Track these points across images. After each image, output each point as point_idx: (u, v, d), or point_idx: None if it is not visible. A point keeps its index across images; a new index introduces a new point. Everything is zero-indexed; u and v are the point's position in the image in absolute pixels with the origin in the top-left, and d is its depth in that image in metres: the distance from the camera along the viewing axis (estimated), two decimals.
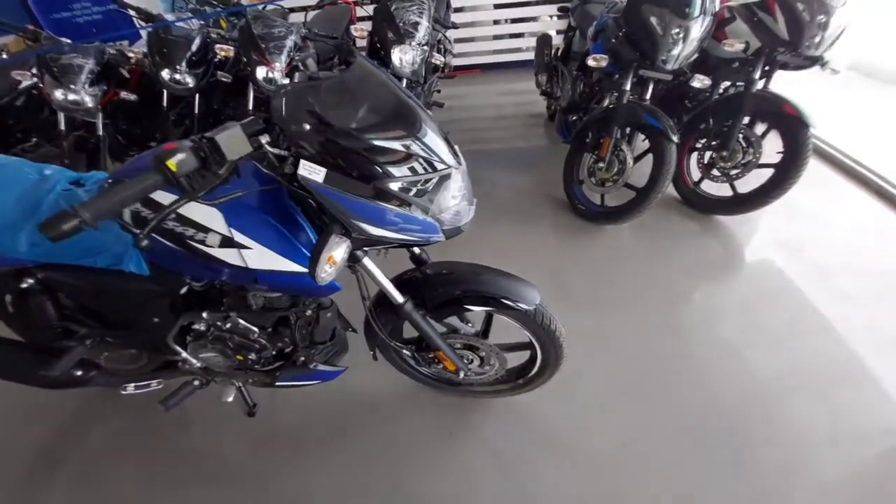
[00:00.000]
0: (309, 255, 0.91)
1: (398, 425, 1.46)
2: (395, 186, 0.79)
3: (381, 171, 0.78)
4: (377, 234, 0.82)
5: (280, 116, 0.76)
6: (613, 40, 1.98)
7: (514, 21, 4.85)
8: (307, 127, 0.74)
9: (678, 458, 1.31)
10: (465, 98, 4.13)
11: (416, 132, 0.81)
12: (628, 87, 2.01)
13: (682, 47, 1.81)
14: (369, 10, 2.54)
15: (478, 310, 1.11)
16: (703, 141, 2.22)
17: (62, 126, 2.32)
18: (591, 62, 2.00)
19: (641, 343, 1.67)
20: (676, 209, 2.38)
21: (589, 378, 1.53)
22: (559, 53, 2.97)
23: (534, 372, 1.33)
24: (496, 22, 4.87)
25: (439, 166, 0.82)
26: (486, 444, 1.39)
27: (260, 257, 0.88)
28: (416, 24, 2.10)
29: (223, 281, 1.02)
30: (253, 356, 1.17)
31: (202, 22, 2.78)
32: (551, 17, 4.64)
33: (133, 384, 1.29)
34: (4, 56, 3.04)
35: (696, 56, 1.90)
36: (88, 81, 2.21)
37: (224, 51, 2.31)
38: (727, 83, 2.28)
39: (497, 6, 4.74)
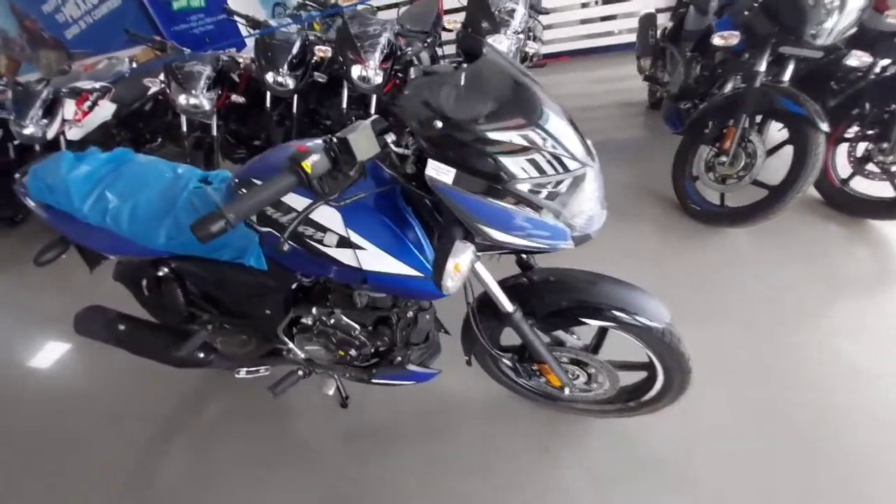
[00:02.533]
0: (420, 257, 0.87)
1: (490, 433, 1.40)
2: (524, 188, 0.71)
3: (504, 170, 0.70)
4: (502, 239, 0.75)
5: (409, 113, 0.71)
6: (746, 13, 1.70)
7: (606, 1, 4.52)
8: (438, 124, 0.68)
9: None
10: (555, 88, 3.92)
11: (538, 119, 0.71)
12: (762, 67, 1.72)
13: (838, 19, 1.50)
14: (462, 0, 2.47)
15: (595, 323, 1.00)
16: (854, 130, 1.85)
17: (184, 128, 2.58)
18: (717, 40, 1.74)
19: (764, 368, 1.42)
20: (816, 211, 2.01)
21: (703, 402, 1.33)
22: (667, 33, 2.67)
23: (650, 396, 1.17)
24: (584, 5, 4.58)
25: (571, 165, 0.73)
26: (584, 463, 1.28)
27: (373, 259, 0.85)
28: (511, 12, 2.00)
29: (331, 278, 1.02)
30: (353, 352, 1.17)
31: (300, 25, 2.93)
32: None
33: (245, 369, 1.37)
34: (135, 65, 3.47)
35: (853, 30, 1.56)
36: (206, 87, 2.43)
37: (322, 52, 2.39)
38: (887, 61, 1.87)
39: None
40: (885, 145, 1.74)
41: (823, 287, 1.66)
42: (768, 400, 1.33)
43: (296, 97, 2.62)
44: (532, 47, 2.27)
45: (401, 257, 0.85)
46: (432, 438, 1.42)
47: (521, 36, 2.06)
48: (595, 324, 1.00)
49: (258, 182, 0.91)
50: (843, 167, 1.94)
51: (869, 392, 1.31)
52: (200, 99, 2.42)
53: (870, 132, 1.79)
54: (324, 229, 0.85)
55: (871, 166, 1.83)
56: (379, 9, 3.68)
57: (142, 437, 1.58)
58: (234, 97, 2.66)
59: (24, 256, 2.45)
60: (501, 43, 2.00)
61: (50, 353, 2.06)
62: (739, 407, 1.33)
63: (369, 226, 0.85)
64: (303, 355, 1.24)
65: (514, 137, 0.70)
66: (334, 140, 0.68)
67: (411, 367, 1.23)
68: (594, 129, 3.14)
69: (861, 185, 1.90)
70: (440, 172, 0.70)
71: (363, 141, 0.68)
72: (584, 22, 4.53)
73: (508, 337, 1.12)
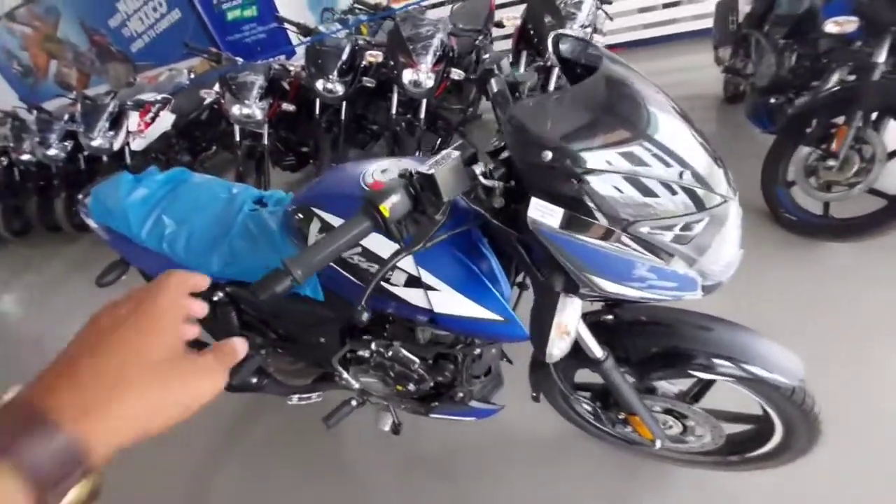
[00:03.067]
0: (501, 300, 0.75)
1: (553, 477, 1.27)
2: (648, 230, 0.57)
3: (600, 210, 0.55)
4: (615, 291, 0.61)
5: (512, 141, 0.59)
6: None
7: None
8: (547, 155, 0.54)
9: None
10: None
11: (647, 130, 0.57)
12: (882, 58, 1.45)
13: None
14: None
15: (706, 377, 0.84)
16: None
17: (237, 137, 2.60)
18: (831, 27, 1.48)
19: (880, 409, 1.18)
20: None
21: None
22: (751, 19, 2.38)
23: (760, 453, 0.99)
24: None
25: (709, 200, 0.57)
26: None
27: (447, 301, 0.74)
28: (578, 4, 1.83)
29: (394, 314, 0.92)
30: (411, 386, 1.08)
31: (349, 30, 2.88)
32: None
33: (297, 395, 1.31)
34: (193, 76, 3.59)
35: None
36: (258, 96, 2.43)
37: (373, 56, 2.32)
38: None
39: None
40: None
41: None
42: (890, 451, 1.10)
43: (344, 103, 2.58)
44: (598, 40, 2.08)
45: (479, 300, 0.74)
46: (487, 476, 1.31)
47: (589, 30, 1.88)
48: (706, 377, 0.83)
49: (318, 211, 0.84)
50: None
51: None
52: (253, 109, 2.42)
53: None
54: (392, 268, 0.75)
55: None
56: (429, 7, 3.58)
57: (192, 460, 1.58)
58: (285, 105, 2.65)
59: (90, 264, 2.56)
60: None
61: None
62: (851, 458, 1.10)
63: (443, 264, 0.74)
64: (357, 385, 1.16)
65: (618, 158, 0.56)
66: (416, 175, 0.57)
67: (474, 404, 1.11)
68: None
69: None
70: (545, 214, 0.56)
71: (451, 176, 0.57)
72: (642, 11, 4.20)
73: (585, 372, 0.98)
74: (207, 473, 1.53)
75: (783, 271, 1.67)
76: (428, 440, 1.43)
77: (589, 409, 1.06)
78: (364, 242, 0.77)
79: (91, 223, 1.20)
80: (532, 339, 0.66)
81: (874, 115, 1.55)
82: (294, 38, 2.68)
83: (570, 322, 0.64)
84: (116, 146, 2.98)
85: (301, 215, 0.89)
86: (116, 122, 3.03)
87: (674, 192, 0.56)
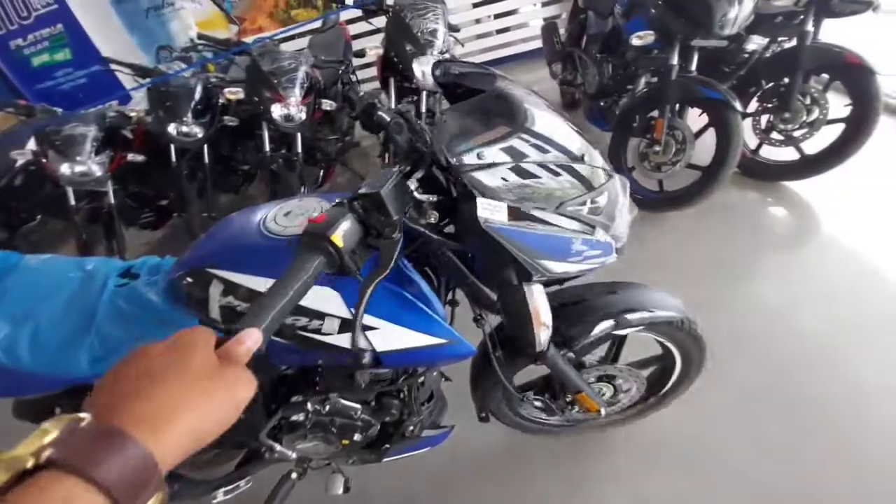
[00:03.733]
0: (440, 321, 0.75)
1: (517, 477, 1.31)
2: (584, 209, 0.67)
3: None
4: (560, 270, 0.69)
5: (448, 148, 0.63)
6: (654, 11, 1.82)
7: (497, 16, 4.72)
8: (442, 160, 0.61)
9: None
10: None
11: (524, 124, 0.66)
12: (675, 60, 1.85)
13: (739, 9, 1.66)
14: (372, 24, 2.37)
15: (627, 332, 0.98)
16: (755, 105, 2.07)
17: (72, 201, 2.15)
18: (635, 41, 1.84)
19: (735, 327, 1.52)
20: (736, 182, 2.21)
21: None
22: (569, 39, 2.82)
23: (670, 386, 1.18)
24: (478, 21, 4.74)
25: (596, 179, 0.69)
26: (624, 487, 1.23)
27: (389, 336, 0.72)
28: (434, 32, 1.95)
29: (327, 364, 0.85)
30: (357, 437, 1.01)
31: (195, 69, 2.63)
32: (535, 4, 4.50)
33: (222, 490, 1.12)
34: None
35: (752, 18, 1.75)
36: (94, 150, 2.05)
37: (232, 94, 2.15)
38: (766, 40, 2.12)
39: (475, 5, 4.60)
40: (786, 115, 1.95)
41: (750, 247, 1.85)
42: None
43: (206, 146, 2.33)
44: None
45: (421, 328, 0.73)
46: (451, 496, 1.29)
47: (447, 56, 2.02)
48: (624, 332, 0.97)
49: (216, 272, 0.74)
50: (751, 139, 2.16)
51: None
52: (89, 165, 2.04)
53: (769, 105, 2.01)
54: (321, 315, 0.70)
55: (775, 135, 2.05)
56: (283, 41, 3.45)
57: None
58: (131, 156, 2.28)
59: None
60: (429, 64, 1.94)
61: None
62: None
63: (376, 298, 0.70)
64: (294, 455, 1.04)
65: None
66: (359, 199, 0.55)
67: (425, 433, 1.08)
68: None
69: (770, 153, 2.13)
70: (493, 211, 0.62)
71: (394, 193, 0.57)
72: (480, 37, 4.68)
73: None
74: None
75: (640, 242, 2.00)
76: (383, 484, 1.35)
77: (539, 405, 1.11)
78: None
79: None
80: (518, 341, 0.69)
81: (678, 106, 1.97)
82: (128, 81, 2.33)
83: (543, 307, 0.69)
84: None
85: (192, 280, 0.78)
86: None
87: (557, 174, 0.65)
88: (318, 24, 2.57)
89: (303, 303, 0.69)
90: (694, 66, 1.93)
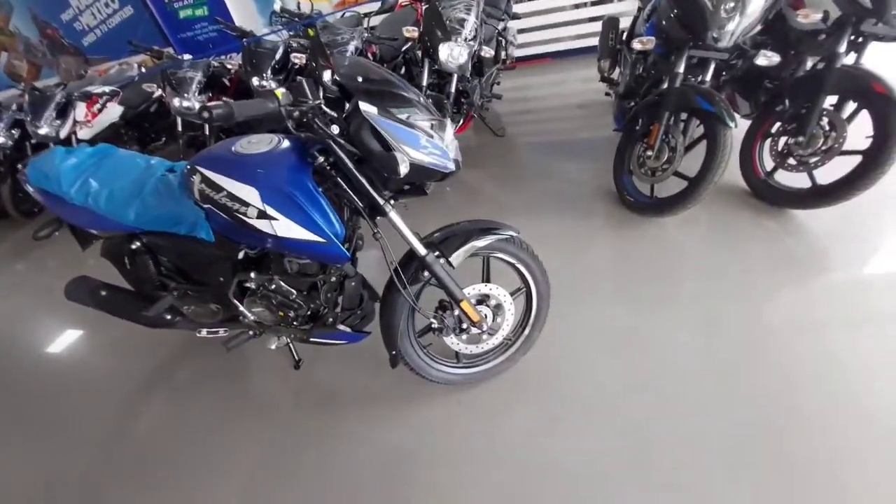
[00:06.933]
0: (324, 227, 1.09)
1: (413, 395, 1.58)
2: (424, 123, 1.09)
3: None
4: (415, 156, 1.05)
5: (346, 76, 1.12)
6: (664, 21, 1.87)
7: (594, 3, 4.66)
8: (359, 79, 1.10)
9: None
10: (537, 88, 4.11)
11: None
12: (681, 69, 1.89)
13: (739, 21, 1.66)
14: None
15: (482, 243, 1.26)
16: (778, 125, 2.00)
17: (180, 128, 2.85)
18: (636, 45, 1.92)
19: (680, 346, 1.55)
20: (746, 203, 2.16)
21: (612, 370, 1.52)
22: (624, 36, 2.84)
23: (534, 314, 1.46)
24: (577, 6, 4.73)
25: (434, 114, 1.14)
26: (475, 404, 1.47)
27: (285, 227, 1.07)
28: (462, 21, 2.20)
29: (267, 248, 1.24)
30: (291, 314, 1.39)
31: (292, 33, 3.18)
32: None
33: (206, 329, 1.60)
34: (143, 70, 3.78)
35: (757, 29, 1.73)
36: (198, 90, 2.69)
37: (299, 58, 2.64)
38: (813, 59, 2.00)
39: None
40: (801, 139, 1.88)
41: (748, 272, 1.79)
42: (677, 372, 1.49)
43: None
44: (487, 52, 2.46)
45: (307, 226, 1.08)
46: (368, 398, 1.62)
47: (474, 43, 2.27)
48: (481, 243, 1.25)
49: (200, 169, 1.15)
50: (769, 161, 2.08)
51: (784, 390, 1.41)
52: (192, 101, 2.68)
53: (789, 127, 1.94)
54: (246, 204, 1.08)
55: (791, 160, 1.98)
56: (366, 15, 3.91)
57: (122, 394, 1.85)
58: (225, 99, 2.92)
59: (31, 251, 2.75)
60: (453, 49, 2.21)
61: (48, 328, 2.35)
62: (647, 378, 1.51)
63: (281, 200, 1.07)
64: (252, 317, 1.47)
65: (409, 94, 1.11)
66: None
67: (342, 328, 1.44)
68: (561, 129, 3.32)
69: (784, 178, 2.05)
70: (368, 108, 1.03)
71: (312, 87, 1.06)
72: (569, 24, 4.68)
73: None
74: (130, 411, 1.79)
75: (625, 243, 2.09)
76: (322, 372, 1.75)
77: (437, 325, 1.38)
78: (230, 188, 1.09)
79: (28, 188, 1.45)
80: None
81: (682, 115, 2.00)
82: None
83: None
84: (63, 135, 3.15)
85: (189, 171, 1.20)
86: (64, 111, 3.20)
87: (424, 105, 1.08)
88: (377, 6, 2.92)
89: (236, 193, 1.08)
90: (709, 77, 1.94)
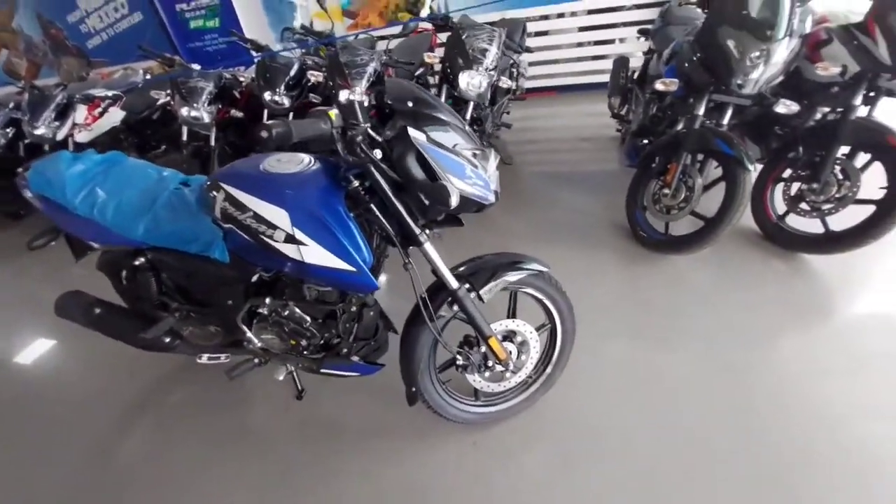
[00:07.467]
0: (354, 255, 1.03)
1: (427, 433, 1.49)
2: (467, 153, 1.05)
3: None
4: (460, 186, 1.00)
5: (392, 95, 1.05)
6: (687, 64, 1.91)
7: (598, 43, 4.82)
8: (409, 104, 1.02)
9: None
10: (543, 119, 4.19)
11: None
12: (701, 111, 1.92)
13: (763, 70, 1.69)
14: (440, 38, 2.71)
15: (512, 277, 1.21)
16: (790, 171, 2.03)
17: (185, 137, 2.78)
18: (659, 86, 1.94)
19: (690, 387, 1.53)
20: (757, 245, 2.17)
21: (624, 410, 1.46)
22: (636, 76, 2.91)
23: (557, 351, 1.41)
24: (580, 44, 4.88)
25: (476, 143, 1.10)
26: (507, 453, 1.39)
27: (314, 254, 1.01)
28: (484, 51, 2.22)
29: (285, 273, 1.17)
30: (304, 342, 1.31)
31: (303, 50, 3.18)
32: (638, 38, 4.55)
33: (207, 355, 1.50)
34: (149, 77, 3.73)
35: (780, 79, 1.77)
36: (207, 101, 2.64)
37: (315, 76, 2.62)
38: (824, 109, 2.06)
39: (582, 29, 4.76)
40: (815, 186, 1.91)
41: (757, 314, 1.78)
42: (691, 414, 1.45)
43: (291, 115, 2.83)
44: (506, 83, 2.49)
45: (337, 253, 1.01)
46: (375, 433, 1.53)
47: (494, 73, 2.28)
48: (512, 278, 1.21)
49: (224, 186, 1.09)
50: (780, 205, 2.10)
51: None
52: (201, 112, 2.63)
53: (802, 173, 1.97)
54: (273, 227, 1.01)
55: (803, 205, 2.00)
56: (381, 38, 3.96)
57: (108, 415, 1.71)
58: (234, 112, 2.87)
59: (23, 248, 2.60)
60: (473, 78, 2.22)
61: (33, 339, 2.20)
62: (660, 416, 1.45)
63: (313, 225, 1.01)
64: (259, 344, 1.37)
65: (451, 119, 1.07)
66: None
67: (356, 360, 1.35)
68: (568, 160, 3.35)
69: (796, 222, 2.07)
70: (418, 136, 1.00)
71: (363, 111, 1.03)
72: (574, 60, 4.82)
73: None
74: (117, 434, 1.65)
75: (636, 278, 2.06)
76: (327, 404, 1.64)
77: (461, 362, 1.31)
78: (257, 209, 1.03)
79: (27, 194, 1.35)
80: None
81: (700, 156, 2.02)
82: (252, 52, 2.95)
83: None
84: (60, 136, 3.05)
85: (210, 187, 1.13)
86: (63, 113, 3.11)
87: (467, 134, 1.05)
88: (399, 30, 2.95)
89: (262, 215, 1.02)
90: (726, 121, 1.97)
